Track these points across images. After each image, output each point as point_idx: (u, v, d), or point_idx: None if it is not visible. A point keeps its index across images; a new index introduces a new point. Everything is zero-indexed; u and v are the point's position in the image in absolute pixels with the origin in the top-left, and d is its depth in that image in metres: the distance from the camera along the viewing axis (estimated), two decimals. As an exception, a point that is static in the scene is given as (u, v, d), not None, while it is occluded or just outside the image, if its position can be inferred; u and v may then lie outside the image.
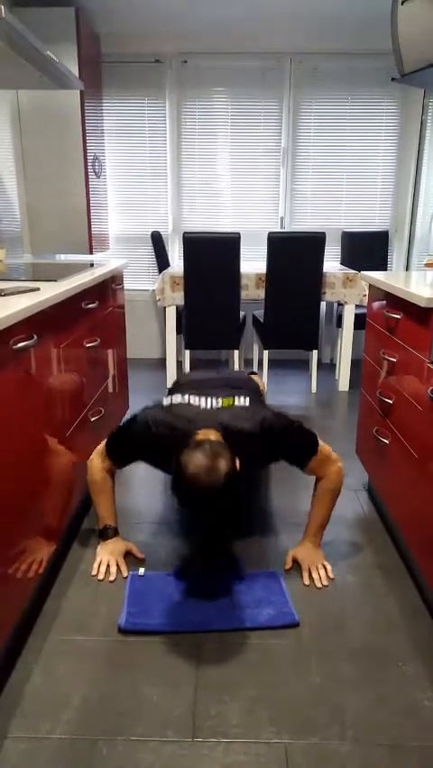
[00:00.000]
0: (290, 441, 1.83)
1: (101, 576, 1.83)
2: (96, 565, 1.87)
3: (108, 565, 1.87)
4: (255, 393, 2.07)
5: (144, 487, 2.44)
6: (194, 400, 1.88)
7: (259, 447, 1.77)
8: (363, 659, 1.51)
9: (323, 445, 1.89)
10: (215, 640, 1.57)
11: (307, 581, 1.82)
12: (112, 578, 1.82)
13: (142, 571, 1.85)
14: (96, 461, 1.94)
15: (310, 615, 1.67)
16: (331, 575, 1.85)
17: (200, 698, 1.39)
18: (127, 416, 2.20)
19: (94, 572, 1.84)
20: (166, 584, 1.79)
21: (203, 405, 1.86)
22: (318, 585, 1.80)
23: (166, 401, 1.92)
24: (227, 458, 1.53)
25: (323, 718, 1.33)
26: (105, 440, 1.93)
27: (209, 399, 1.88)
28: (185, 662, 1.49)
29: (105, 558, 1.88)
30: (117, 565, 1.86)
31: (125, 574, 1.83)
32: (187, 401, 1.88)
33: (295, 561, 1.91)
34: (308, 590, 1.78)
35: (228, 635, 1.59)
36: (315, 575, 1.84)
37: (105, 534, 1.94)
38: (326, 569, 1.87)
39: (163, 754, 1.24)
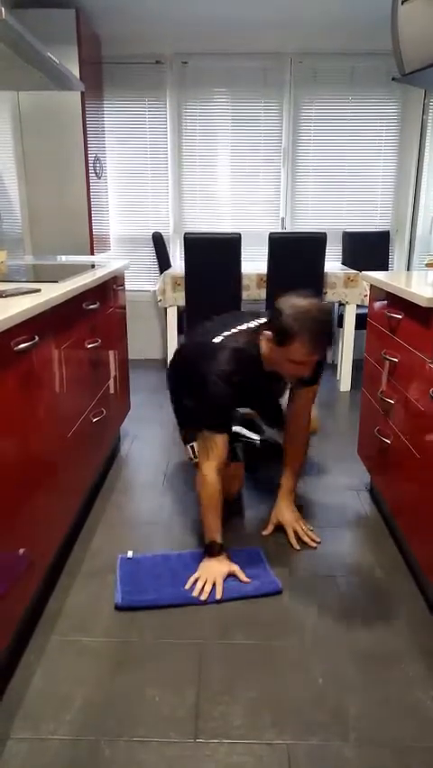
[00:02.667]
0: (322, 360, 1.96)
1: (202, 597, 1.72)
2: (199, 583, 1.76)
3: (207, 584, 1.76)
4: None
5: (144, 490, 2.44)
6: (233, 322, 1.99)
7: None
8: (365, 660, 1.51)
9: None
10: (217, 640, 1.57)
11: (296, 545, 1.95)
12: (204, 597, 1.72)
13: (130, 553, 1.92)
14: (210, 472, 1.83)
15: (312, 615, 1.67)
16: (315, 537, 2.01)
17: (202, 698, 1.39)
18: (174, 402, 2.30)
19: (194, 592, 1.73)
20: (155, 564, 1.87)
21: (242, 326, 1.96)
22: (313, 545, 1.94)
23: (214, 341, 1.93)
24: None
25: (325, 719, 1.33)
26: (203, 437, 1.87)
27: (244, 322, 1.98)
28: (187, 663, 1.49)
29: (210, 578, 1.77)
30: (214, 586, 1.77)
31: (219, 596, 1.73)
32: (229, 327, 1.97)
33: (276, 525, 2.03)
34: (310, 591, 1.77)
35: (230, 635, 1.59)
36: (306, 538, 1.97)
37: (212, 549, 1.83)
38: (308, 528, 2.03)
39: (166, 754, 1.24)
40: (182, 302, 3.59)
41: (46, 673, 1.46)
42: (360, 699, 1.39)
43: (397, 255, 4.39)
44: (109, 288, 2.44)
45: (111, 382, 2.50)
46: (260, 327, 1.90)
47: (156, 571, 1.83)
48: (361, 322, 3.72)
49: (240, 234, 3.38)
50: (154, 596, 1.71)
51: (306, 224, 4.33)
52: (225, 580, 1.78)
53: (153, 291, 4.41)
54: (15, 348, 1.37)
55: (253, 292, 3.62)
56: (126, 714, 1.34)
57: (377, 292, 2.14)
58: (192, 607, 1.70)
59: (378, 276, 2.08)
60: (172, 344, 3.75)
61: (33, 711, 1.35)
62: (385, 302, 2.03)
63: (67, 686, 1.42)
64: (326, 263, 3.54)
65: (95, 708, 1.36)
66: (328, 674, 1.46)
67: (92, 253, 3.82)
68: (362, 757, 1.24)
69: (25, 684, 1.43)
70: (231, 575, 1.80)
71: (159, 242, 4.06)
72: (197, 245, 3.39)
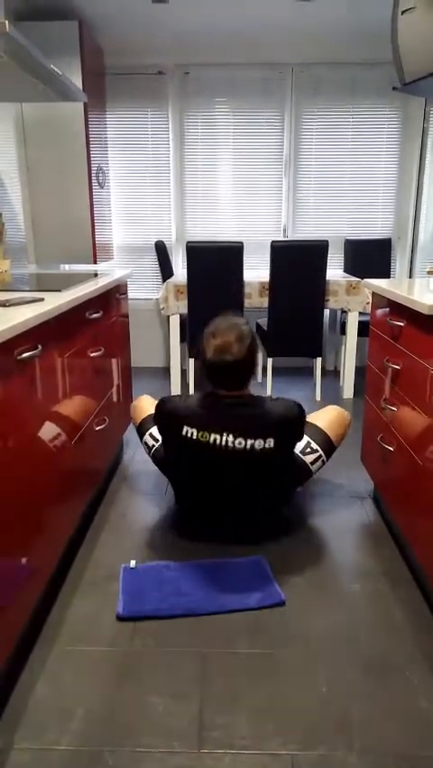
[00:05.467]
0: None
1: None
2: None
3: None
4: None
5: (147, 498, 2.44)
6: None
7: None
8: (369, 668, 1.50)
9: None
10: (220, 649, 1.56)
11: None
12: None
13: (133, 563, 1.92)
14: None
15: (316, 624, 1.66)
16: None
17: (206, 708, 1.38)
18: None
19: None
20: (157, 574, 1.87)
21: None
22: None
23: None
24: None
25: (330, 728, 1.32)
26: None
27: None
28: (191, 672, 1.49)
29: None
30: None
31: None
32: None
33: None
34: (314, 599, 1.77)
35: (233, 644, 1.58)
36: None
37: None
38: None
39: (169, 765, 1.24)
40: (185, 310, 3.60)
41: (49, 683, 1.45)
42: (364, 708, 1.38)
43: (399, 263, 4.40)
44: (112, 297, 2.45)
45: (114, 390, 2.50)
46: None
47: (158, 581, 1.83)
48: (363, 329, 3.72)
49: (242, 243, 3.39)
50: (156, 606, 1.71)
51: (308, 231, 4.35)
52: (229, 593, 1.76)
53: (156, 299, 4.42)
54: (19, 357, 1.38)
55: (255, 300, 3.63)
56: (129, 724, 1.34)
57: (379, 300, 2.14)
58: (182, 591, 1.72)
59: (380, 283, 2.09)
60: (175, 352, 3.76)
61: (36, 721, 1.34)
62: (387, 310, 2.04)
63: (69, 696, 1.41)
64: (328, 271, 3.55)
65: (97, 717, 1.35)
66: (332, 683, 1.45)
67: (95, 262, 3.84)
68: (366, 766, 1.23)
69: (28, 694, 1.42)
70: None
71: (161, 251, 4.08)
72: (199, 254, 3.40)
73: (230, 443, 1.89)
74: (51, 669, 1.50)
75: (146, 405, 2.36)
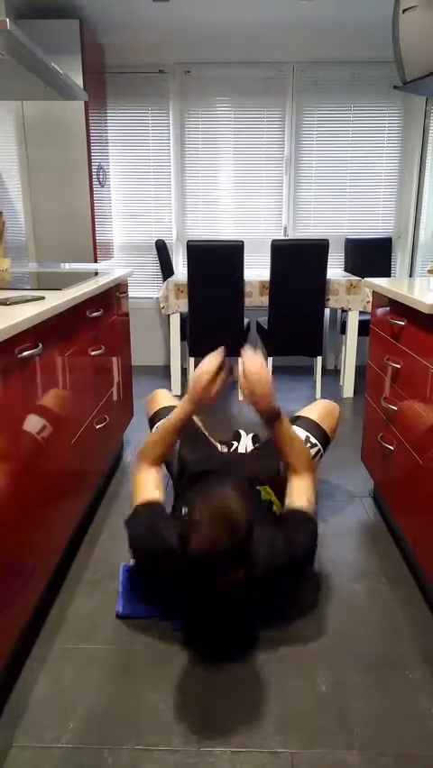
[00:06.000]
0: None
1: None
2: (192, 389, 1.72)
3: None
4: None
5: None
6: None
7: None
8: (369, 667, 1.50)
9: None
10: (220, 648, 1.56)
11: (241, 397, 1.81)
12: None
13: (133, 561, 1.89)
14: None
15: (316, 622, 1.66)
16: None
17: (206, 706, 1.38)
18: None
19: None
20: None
21: None
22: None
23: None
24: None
25: (329, 727, 1.32)
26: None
27: None
28: (191, 671, 1.49)
29: (198, 378, 1.73)
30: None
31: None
32: None
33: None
34: (314, 599, 1.77)
35: (233, 642, 1.58)
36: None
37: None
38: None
39: (169, 762, 1.24)
40: (185, 309, 3.60)
41: (49, 681, 1.46)
42: (364, 707, 1.38)
43: (399, 262, 4.40)
44: (112, 296, 2.45)
45: (114, 389, 2.50)
46: None
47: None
48: (363, 328, 3.72)
49: (242, 242, 3.39)
50: (156, 605, 1.70)
51: (308, 230, 4.35)
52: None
53: (156, 298, 4.42)
54: (19, 355, 1.38)
55: (255, 299, 3.63)
56: (129, 722, 1.34)
57: (380, 299, 2.14)
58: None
59: (380, 282, 2.09)
60: (175, 351, 3.76)
61: (36, 719, 1.35)
62: (388, 309, 2.04)
63: (69, 694, 1.42)
64: (328, 270, 3.55)
65: (97, 715, 1.35)
66: (332, 682, 1.45)
67: (95, 261, 3.84)
68: (366, 765, 1.23)
69: (28, 692, 1.42)
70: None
71: (162, 250, 4.08)
72: (199, 252, 3.40)
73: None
74: (51, 667, 1.50)
75: (161, 398, 2.32)
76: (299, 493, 1.70)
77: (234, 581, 1.43)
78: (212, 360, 1.76)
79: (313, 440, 2.11)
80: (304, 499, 1.69)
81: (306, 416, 2.20)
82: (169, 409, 2.18)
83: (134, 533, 1.63)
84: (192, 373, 1.78)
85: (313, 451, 2.09)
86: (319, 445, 2.12)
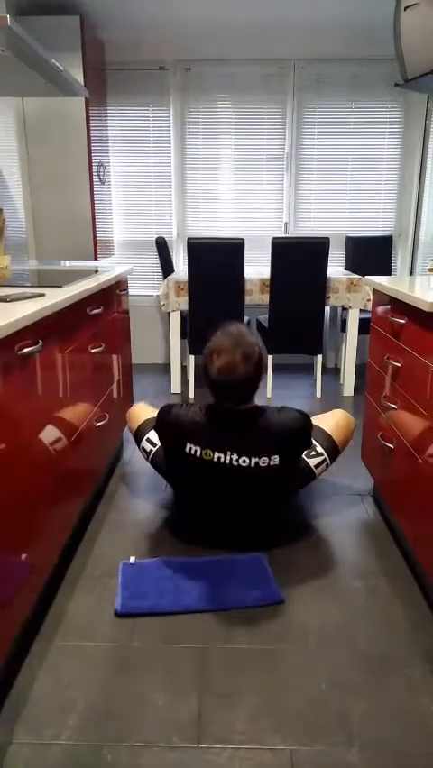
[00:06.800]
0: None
1: None
2: None
3: None
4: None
5: (147, 494, 2.44)
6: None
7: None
8: (369, 665, 1.51)
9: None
10: (220, 645, 1.57)
11: None
12: None
13: (132, 559, 1.92)
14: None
15: (316, 621, 1.66)
16: None
17: (205, 703, 1.38)
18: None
19: None
20: (156, 570, 1.87)
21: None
22: None
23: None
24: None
25: (329, 725, 1.32)
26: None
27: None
28: (190, 668, 1.49)
29: None
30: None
31: None
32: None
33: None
34: (314, 597, 1.77)
35: (232, 640, 1.58)
36: None
37: None
38: None
39: (168, 760, 1.24)
40: (185, 307, 3.60)
41: (48, 678, 1.46)
42: (363, 705, 1.38)
43: (400, 260, 4.40)
44: (113, 293, 2.45)
45: (114, 387, 2.50)
46: None
47: (158, 577, 1.83)
48: (364, 326, 3.72)
49: (243, 239, 3.39)
50: (155, 603, 1.71)
51: (309, 228, 4.34)
52: (227, 591, 1.76)
53: (157, 296, 4.42)
54: (19, 352, 1.38)
55: (255, 297, 3.63)
56: (128, 719, 1.34)
57: (380, 297, 2.14)
58: (181, 588, 1.73)
59: (381, 281, 2.09)
60: (175, 348, 3.76)
61: (35, 716, 1.35)
62: (388, 307, 2.03)
63: (69, 691, 1.42)
64: (329, 268, 3.54)
65: (97, 713, 1.35)
66: (332, 679, 1.46)
67: (96, 258, 3.84)
68: (365, 763, 1.23)
69: (27, 689, 1.42)
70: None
71: (162, 247, 4.07)
72: (200, 250, 3.40)
73: (234, 462, 1.86)
74: (51, 664, 1.50)
75: (142, 411, 2.35)
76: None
77: (253, 411, 1.88)
78: None
79: (320, 449, 2.12)
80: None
81: (319, 425, 2.20)
82: (153, 421, 2.19)
83: (167, 409, 1.98)
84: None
85: (319, 460, 2.09)
86: (326, 455, 2.12)
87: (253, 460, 1.86)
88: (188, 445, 1.89)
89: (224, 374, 1.80)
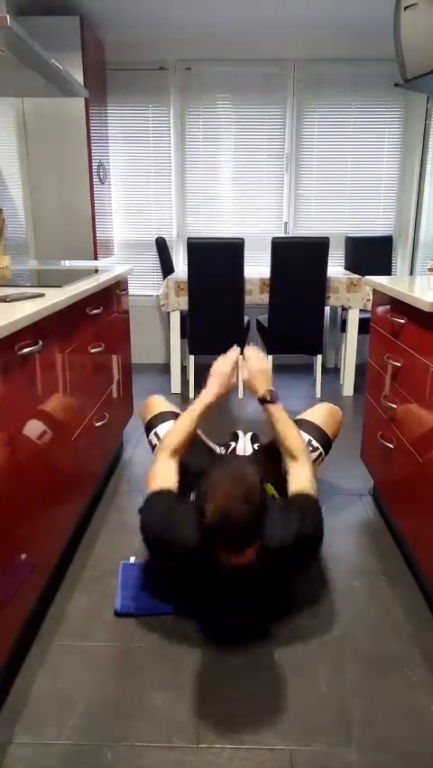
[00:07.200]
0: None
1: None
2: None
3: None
4: None
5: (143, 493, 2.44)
6: None
7: None
8: (368, 665, 1.51)
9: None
10: (219, 645, 1.57)
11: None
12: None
13: (132, 559, 1.91)
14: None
15: (316, 621, 1.66)
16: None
17: (205, 703, 1.38)
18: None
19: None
20: (156, 570, 1.84)
21: None
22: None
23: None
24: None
25: (328, 725, 1.33)
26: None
27: None
28: (190, 668, 1.49)
29: (215, 376, 1.92)
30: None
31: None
32: None
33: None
34: (313, 597, 1.77)
35: (233, 640, 1.58)
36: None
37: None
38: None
39: (168, 759, 1.24)
40: (185, 307, 3.60)
41: (48, 678, 1.46)
42: (363, 705, 1.38)
43: (400, 260, 4.40)
44: (113, 293, 2.45)
45: (114, 387, 2.50)
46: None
47: (158, 577, 1.83)
48: (364, 326, 3.72)
49: (243, 239, 3.39)
50: (154, 603, 1.71)
51: (309, 228, 4.34)
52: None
53: (156, 296, 4.42)
54: (19, 352, 1.38)
55: (255, 297, 3.63)
56: (128, 719, 1.34)
57: (380, 297, 2.14)
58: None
59: (381, 281, 2.09)
60: (175, 349, 3.76)
61: (35, 716, 1.35)
62: (388, 307, 2.03)
63: (69, 691, 1.42)
64: (328, 268, 3.54)
65: (97, 712, 1.35)
66: (331, 679, 1.46)
67: (95, 258, 3.84)
68: (364, 763, 1.23)
69: (27, 689, 1.43)
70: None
71: (162, 247, 4.07)
72: (200, 250, 3.40)
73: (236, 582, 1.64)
74: (51, 664, 1.50)
75: (156, 404, 2.28)
76: (300, 477, 1.72)
77: (247, 565, 1.46)
78: (231, 353, 1.97)
79: (315, 443, 2.08)
80: (305, 481, 1.71)
81: (308, 419, 2.18)
82: (167, 414, 2.17)
83: (148, 519, 1.63)
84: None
85: (314, 455, 2.07)
86: (321, 449, 2.10)
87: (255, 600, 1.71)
88: (180, 572, 1.67)
89: (220, 518, 1.40)
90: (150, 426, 2.23)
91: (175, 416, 2.13)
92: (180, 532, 1.53)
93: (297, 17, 3.77)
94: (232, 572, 1.48)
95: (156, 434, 2.17)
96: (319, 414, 2.20)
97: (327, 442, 2.14)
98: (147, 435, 2.25)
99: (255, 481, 1.45)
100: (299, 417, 2.19)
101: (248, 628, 1.65)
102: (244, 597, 1.72)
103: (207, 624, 1.65)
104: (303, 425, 2.13)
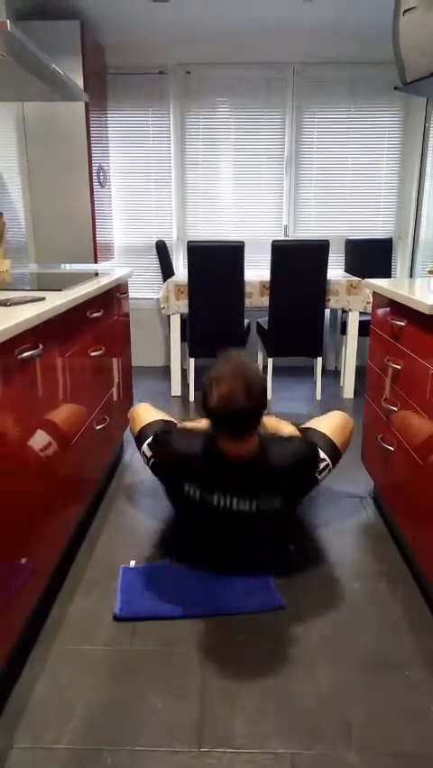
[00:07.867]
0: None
1: None
2: None
3: None
4: None
5: (147, 498, 2.44)
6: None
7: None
8: (369, 667, 1.50)
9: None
10: (219, 649, 1.56)
11: None
12: None
13: (132, 563, 1.92)
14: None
15: (316, 623, 1.66)
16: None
17: (206, 707, 1.38)
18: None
19: None
20: (156, 574, 1.86)
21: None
22: None
23: None
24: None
25: (329, 728, 1.32)
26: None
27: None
28: (190, 672, 1.49)
29: None
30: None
31: None
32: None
33: None
34: (314, 599, 1.77)
35: (232, 643, 1.58)
36: None
37: None
38: None
39: (169, 763, 1.24)
40: (185, 310, 3.60)
41: (48, 682, 1.46)
42: (364, 707, 1.38)
43: (400, 262, 4.40)
44: (113, 296, 2.46)
45: (114, 390, 2.51)
46: None
47: (158, 582, 1.82)
48: (364, 329, 3.72)
49: (243, 242, 3.39)
50: (154, 607, 1.70)
51: (309, 231, 4.35)
52: (228, 597, 1.75)
53: (157, 299, 4.42)
54: (20, 356, 1.38)
55: (255, 299, 3.63)
56: (129, 723, 1.34)
57: (380, 299, 2.14)
58: (180, 593, 1.73)
59: (381, 283, 2.09)
60: (175, 352, 3.76)
61: (36, 720, 1.35)
62: (388, 309, 2.04)
63: (69, 695, 1.42)
64: (328, 270, 3.55)
65: (97, 716, 1.35)
66: (332, 682, 1.45)
67: (96, 262, 3.84)
68: (365, 765, 1.23)
69: (28, 693, 1.42)
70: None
71: (162, 251, 4.08)
72: (200, 253, 3.40)
73: (234, 506, 1.78)
74: (51, 668, 1.50)
75: (144, 413, 2.27)
76: (289, 429, 2.04)
77: (250, 458, 1.75)
78: None
79: (322, 455, 2.03)
80: (295, 432, 2.01)
81: (317, 428, 2.14)
82: (157, 423, 2.15)
83: (165, 442, 1.88)
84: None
85: (321, 466, 2.02)
86: (328, 460, 2.05)
87: (255, 503, 1.79)
88: (187, 486, 1.82)
89: (224, 403, 1.65)
90: (140, 439, 2.18)
91: (165, 423, 2.13)
92: (189, 444, 1.84)
93: (296, 21, 3.78)
94: (235, 469, 1.74)
95: (149, 445, 2.10)
96: (329, 423, 2.17)
97: (335, 453, 2.09)
98: (139, 448, 2.19)
99: (254, 370, 1.69)
100: (308, 425, 2.17)
101: (252, 568, 1.83)
102: (248, 540, 1.91)
103: (213, 566, 1.85)
104: (311, 434, 2.10)
